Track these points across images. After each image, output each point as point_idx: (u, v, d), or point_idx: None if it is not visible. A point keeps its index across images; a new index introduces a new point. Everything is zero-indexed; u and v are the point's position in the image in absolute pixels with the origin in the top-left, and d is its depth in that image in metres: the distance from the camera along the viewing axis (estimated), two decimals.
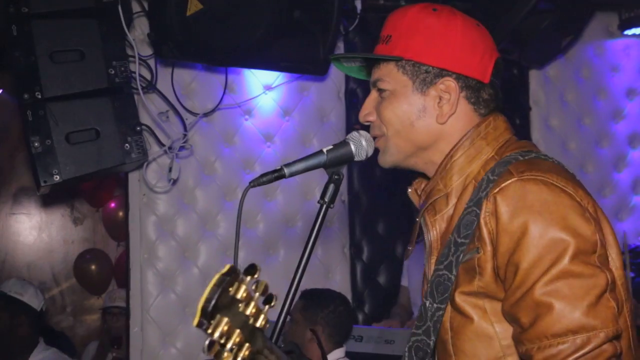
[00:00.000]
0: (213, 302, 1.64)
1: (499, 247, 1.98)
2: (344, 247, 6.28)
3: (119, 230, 7.89)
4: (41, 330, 5.62)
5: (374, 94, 2.32)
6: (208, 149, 5.95)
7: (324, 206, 2.17)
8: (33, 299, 5.22)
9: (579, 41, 6.70)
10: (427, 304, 2.16)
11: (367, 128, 2.30)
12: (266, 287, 1.74)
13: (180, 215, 5.88)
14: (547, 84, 6.81)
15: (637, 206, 6.91)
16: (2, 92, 7.75)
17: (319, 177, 2.08)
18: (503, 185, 2.01)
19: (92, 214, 8.72)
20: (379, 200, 6.36)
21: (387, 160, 2.30)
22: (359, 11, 6.03)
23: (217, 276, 1.66)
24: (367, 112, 2.31)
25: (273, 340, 2.14)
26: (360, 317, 6.25)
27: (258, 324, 1.70)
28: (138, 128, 5.11)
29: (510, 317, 1.99)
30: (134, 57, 5.28)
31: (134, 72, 5.29)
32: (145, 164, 5.57)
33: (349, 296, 6.21)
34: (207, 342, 1.58)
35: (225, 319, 1.62)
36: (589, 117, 6.90)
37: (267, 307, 1.73)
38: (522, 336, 1.94)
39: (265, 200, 6.08)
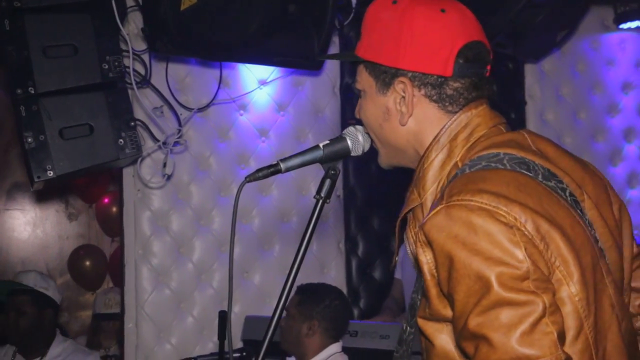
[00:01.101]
0: None
1: (440, 275, 1.90)
2: (339, 242, 6.29)
3: (113, 226, 7.91)
4: None
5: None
6: (203, 144, 5.95)
7: (320, 201, 2.16)
8: (56, 293, 5.31)
9: (574, 35, 6.71)
10: (404, 327, 2.15)
11: (362, 123, 2.28)
12: None
13: (174, 210, 5.88)
14: (542, 78, 6.82)
15: (632, 200, 6.93)
16: None
17: (315, 172, 2.07)
18: (431, 214, 1.90)
19: (87, 210, 8.73)
20: (374, 196, 6.36)
21: (380, 161, 2.29)
22: (354, 5, 6.00)
23: None
24: (356, 111, 2.28)
25: (269, 336, 2.14)
26: (355, 312, 6.25)
27: None
28: (132, 123, 5.11)
29: (459, 347, 1.92)
30: (127, 51, 5.26)
31: (128, 67, 5.28)
32: (140, 159, 5.55)
33: (344, 291, 6.21)
34: None
35: None
36: (584, 111, 6.91)
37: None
38: None
39: (261, 196, 6.07)
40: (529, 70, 6.79)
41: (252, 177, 2.14)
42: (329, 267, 6.21)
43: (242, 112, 6.05)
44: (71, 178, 5.09)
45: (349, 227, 6.33)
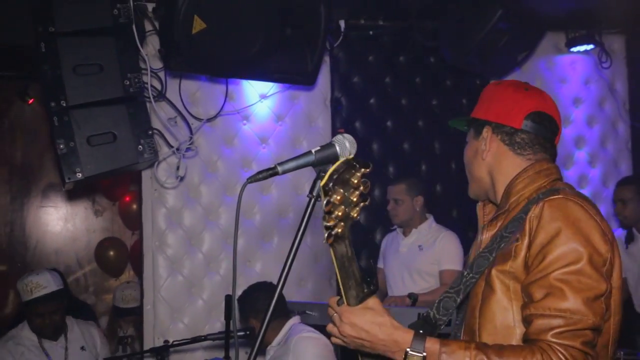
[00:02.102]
0: (338, 174, 1.96)
1: (535, 240, 2.16)
2: None
3: (134, 221, 7.90)
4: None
5: None
6: (211, 150, 5.92)
7: (313, 200, 2.15)
8: (61, 281, 5.04)
9: (532, 56, 6.71)
10: (465, 273, 2.36)
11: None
12: (368, 187, 2.03)
13: (186, 207, 5.86)
14: None
15: None
16: (33, 101, 7.72)
17: (308, 174, 2.07)
18: (552, 197, 2.22)
19: (111, 207, 8.72)
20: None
21: (471, 194, 2.66)
22: (342, 30, 6.02)
23: (346, 158, 2.03)
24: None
25: (266, 323, 2.15)
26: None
27: (353, 213, 2.02)
28: (150, 132, 5.10)
29: (526, 291, 2.16)
30: (146, 69, 5.25)
31: (146, 83, 5.27)
32: (156, 163, 5.56)
33: (334, 277, 6.21)
34: (325, 200, 1.96)
35: (340, 191, 1.97)
36: None
37: (362, 203, 2.03)
38: (531, 305, 2.12)
39: (261, 195, 6.06)
40: None
41: (253, 179, 2.13)
42: (321, 257, 6.19)
43: (245, 122, 6.03)
44: (97, 179, 5.06)
45: None
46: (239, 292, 4.72)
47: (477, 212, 2.60)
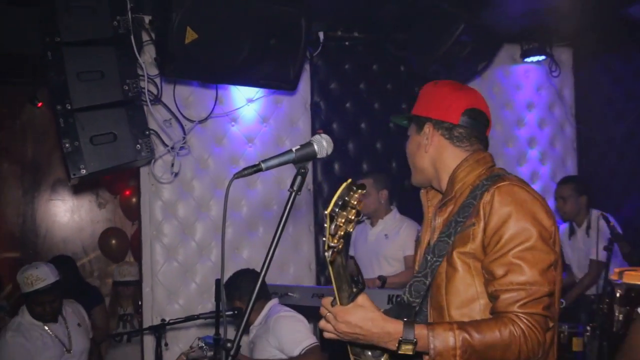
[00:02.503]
0: (343, 200, 1.99)
1: (490, 223, 2.22)
2: (309, 225, 6.25)
3: (133, 213, 7.89)
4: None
5: None
6: (202, 149, 5.89)
7: (293, 193, 2.13)
8: (57, 274, 4.86)
9: (491, 65, 6.73)
10: (428, 258, 2.37)
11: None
12: (361, 204, 2.05)
13: (180, 200, 5.82)
14: None
15: None
16: (41, 104, 7.67)
17: (290, 171, 2.03)
18: (500, 184, 2.27)
19: (113, 200, 8.69)
20: (336, 189, 6.33)
21: (415, 182, 2.67)
22: (321, 40, 6.01)
23: (346, 183, 2.03)
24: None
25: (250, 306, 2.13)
26: (322, 279, 6.25)
27: (350, 229, 2.02)
28: (147, 132, 5.05)
29: (487, 269, 2.22)
30: (143, 76, 5.21)
31: (144, 88, 5.23)
32: (153, 160, 5.53)
33: (313, 263, 6.22)
34: (332, 227, 1.97)
35: (343, 214, 1.98)
36: (499, 124, 6.93)
37: (357, 218, 2.02)
38: (494, 282, 2.19)
39: (248, 189, 6.03)
40: None
41: (240, 174, 2.12)
42: (301, 245, 6.18)
43: (233, 123, 6.00)
44: (100, 175, 5.02)
45: (317, 213, 6.30)
46: (227, 277, 4.70)
47: (422, 199, 2.65)
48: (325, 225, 1.97)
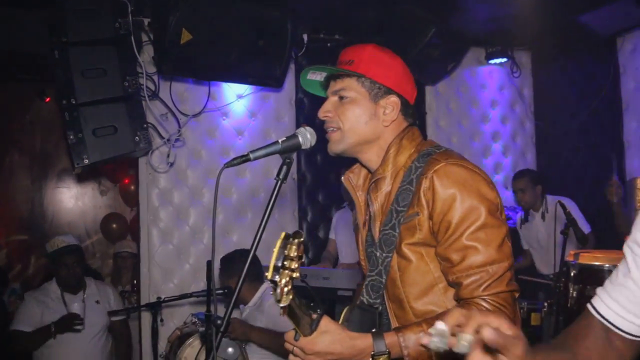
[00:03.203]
0: (281, 260, 1.72)
1: (435, 210, 2.00)
2: (294, 211, 6.23)
3: (132, 199, 7.84)
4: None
5: (333, 99, 2.22)
6: (196, 141, 5.85)
7: (279, 182, 2.09)
8: (78, 242, 5.15)
9: (459, 67, 6.74)
10: (378, 254, 2.14)
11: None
12: (302, 248, 1.79)
13: (175, 188, 5.78)
14: (437, 96, 6.82)
15: (497, 182, 6.99)
16: (49, 99, 7.61)
17: (276, 161, 1.99)
18: (436, 167, 2.02)
19: (113, 188, 8.66)
20: (319, 178, 6.32)
21: (338, 147, 2.21)
22: (305, 42, 5.98)
23: (280, 240, 1.75)
24: (327, 110, 2.21)
25: (240, 284, 2.08)
26: (305, 260, 6.23)
27: (295, 274, 1.75)
28: (145, 125, 5.01)
29: (442, 256, 2.02)
30: (142, 73, 5.14)
31: (142, 85, 5.17)
32: (150, 151, 5.49)
33: None
34: (278, 290, 1.71)
35: (285, 272, 1.72)
36: (465, 120, 6.94)
37: (300, 262, 1.76)
38: (452, 269, 1.99)
39: (237, 178, 5.99)
40: (429, 90, 6.78)
41: (230, 164, 2.06)
42: (286, 229, 6.10)
43: (224, 117, 5.95)
44: (101, 164, 4.99)
45: (301, 200, 6.28)
46: (218, 258, 4.67)
47: (346, 185, 2.35)
48: (272, 293, 1.75)
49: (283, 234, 1.76)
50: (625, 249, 1.52)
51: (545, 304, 4.45)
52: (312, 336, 1.90)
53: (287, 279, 1.72)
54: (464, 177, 2.00)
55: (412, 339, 1.92)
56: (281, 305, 1.74)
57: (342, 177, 2.37)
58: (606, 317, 1.50)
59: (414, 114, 2.26)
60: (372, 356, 1.92)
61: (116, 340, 5.12)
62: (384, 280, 2.14)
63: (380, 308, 2.16)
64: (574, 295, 3.88)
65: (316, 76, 2.29)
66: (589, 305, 1.55)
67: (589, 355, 1.49)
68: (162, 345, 4.86)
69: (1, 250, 7.94)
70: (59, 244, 4.92)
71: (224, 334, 2.12)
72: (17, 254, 7.96)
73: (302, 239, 1.77)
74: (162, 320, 4.86)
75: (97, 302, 4.99)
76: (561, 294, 4.01)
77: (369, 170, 2.29)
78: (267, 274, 1.73)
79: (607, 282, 1.54)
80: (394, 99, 2.18)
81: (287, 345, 1.97)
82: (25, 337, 4.72)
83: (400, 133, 2.20)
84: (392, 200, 2.12)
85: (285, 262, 1.72)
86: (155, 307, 4.63)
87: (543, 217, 5.88)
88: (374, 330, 1.99)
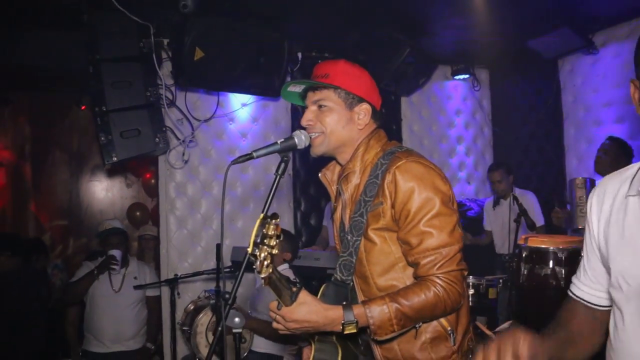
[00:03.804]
0: (259, 237, 1.69)
1: (397, 200, 2.00)
2: (290, 202, 6.22)
3: (153, 191, 7.80)
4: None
5: (313, 108, 2.19)
6: (207, 142, 5.81)
7: (278, 177, 2.08)
8: (123, 227, 5.11)
9: (429, 81, 6.73)
10: (349, 237, 2.13)
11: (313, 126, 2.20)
12: (279, 228, 1.75)
13: (189, 182, 5.75)
14: (411, 105, 6.82)
15: (461, 179, 7.02)
16: (84, 107, 7.60)
17: (275, 159, 1.98)
18: (398, 164, 2.03)
19: (137, 181, 8.64)
20: (311, 174, 6.30)
21: (320, 149, 2.17)
22: (300, 59, 5.97)
23: (259, 220, 1.71)
24: (309, 118, 2.18)
25: (242, 268, 2.07)
26: (299, 243, 6.22)
27: (274, 251, 1.72)
28: (164, 129, 5.00)
29: (403, 240, 2.02)
30: (162, 85, 5.13)
31: (162, 94, 5.16)
32: (168, 150, 5.46)
33: (292, 231, 6.16)
34: (258, 263, 1.68)
35: (264, 247, 1.69)
36: (435, 125, 6.94)
37: (277, 240, 1.72)
38: (412, 251, 2.00)
39: (242, 173, 5.97)
40: (404, 101, 6.77)
41: (235, 161, 2.04)
42: (283, 217, 6.14)
43: (231, 122, 5.93)
44: (127, 161, 4.98)
45: (295, 193, 6.26)
46: (227, 241, 4.66)
47: (323, 181, 2.35)
48: (254, 267, 1.71)
49: (262, 215, 1.73)
50: (584, 239, 1.64)
51: (501, 280, 4.47)
52: (292, 306, 1.89)
53: (266, 253, 1.70)
54: (422, 172, 2.01)
55: (376, 311, 1.91)
56: (261, 276, 1.72)
57: (319, 174, 2.35)
58: (583, 297, 1.67)
59: (381, 117, 2.24)
60: (342, 325, 1.91)
61: (150, 312, 5.08)
62: (354, 260, 2.12)
63: (352, 284, 2.15)
64: (525, 273, 3.89)
65: (296, 88, 2.24)
66: (569, 292, 1.70)
67: (580, 330, 1.65)
68: (179, 315, 4.86)
69: (46, 234, 7.96)
70: (106, 227, 4.95)
71: (232, 306, 2.12)
72: (59, 237, 8.05)
73: (278, 220, 1.74)
74: (178, 294, 4.85)
75: (135, 277, 4.94)
76: (514, 272, 4.02)
77: (339, 163, 2.27)
78: (248, 249, 1.69)
79: (577, 271, 1.70)
80: (365, 106, 2.17)
81: (271, 314, 1.96)
82: (72, 284, 4.79)
83: (369, 134, 2.18)
84: (361, 192, 2.11)
85: (264, 240, 1.69)
86: (173, 283, 4.64)
87: (509, 205, 5.87)
88: (344, 302, 1.98)
